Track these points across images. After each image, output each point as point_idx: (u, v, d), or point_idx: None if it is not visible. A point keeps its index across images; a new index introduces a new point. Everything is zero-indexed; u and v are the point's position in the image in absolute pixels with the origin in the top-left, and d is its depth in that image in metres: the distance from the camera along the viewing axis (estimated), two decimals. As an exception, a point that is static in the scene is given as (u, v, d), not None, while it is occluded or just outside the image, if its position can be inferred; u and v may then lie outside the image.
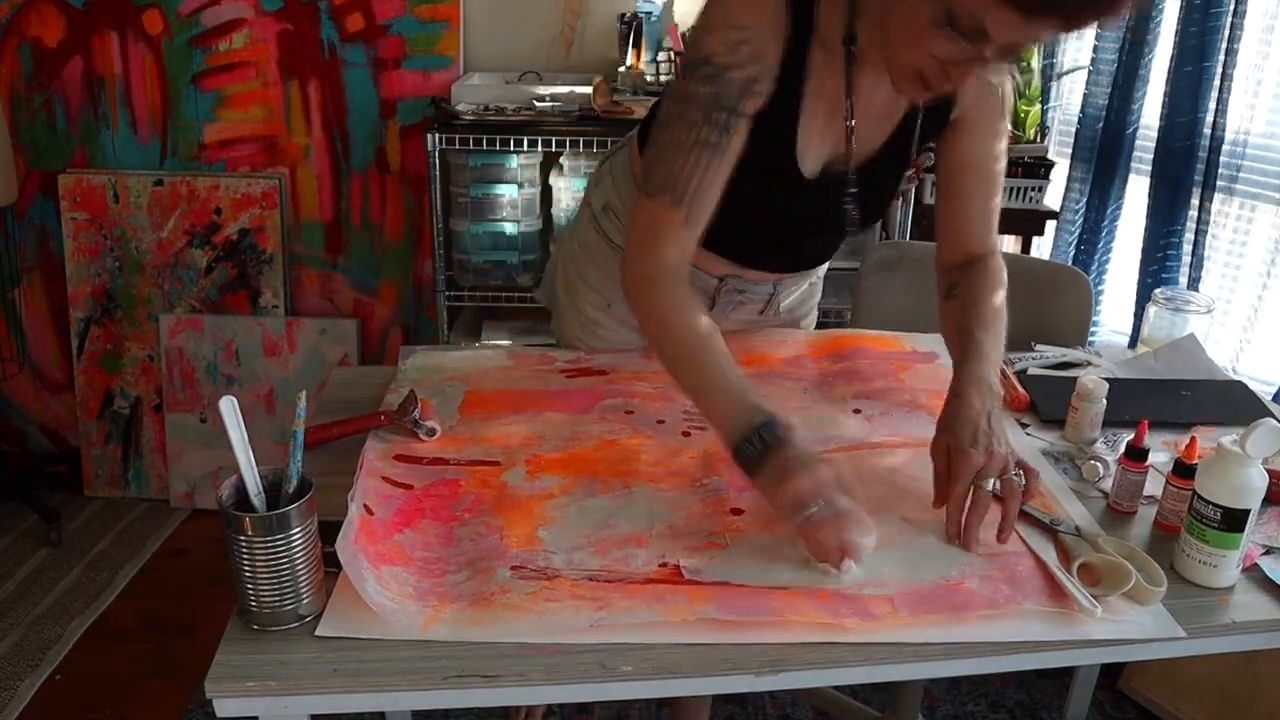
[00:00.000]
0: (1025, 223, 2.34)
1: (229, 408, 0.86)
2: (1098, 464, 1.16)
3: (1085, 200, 2.34)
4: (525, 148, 2.32)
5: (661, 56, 2.41)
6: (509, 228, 2.44)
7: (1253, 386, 1.42)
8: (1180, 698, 1.99)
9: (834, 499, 0.95)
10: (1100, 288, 2.37)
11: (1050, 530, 1.05)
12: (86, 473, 2.79)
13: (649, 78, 2.42)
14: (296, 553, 0.86)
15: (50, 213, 2.66)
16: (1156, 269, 2.21)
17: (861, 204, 1.22)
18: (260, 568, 0.85)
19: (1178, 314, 1.55)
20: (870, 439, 1.21)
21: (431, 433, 1.19)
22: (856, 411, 1.28)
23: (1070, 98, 2.44)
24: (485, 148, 2.30)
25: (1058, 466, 1.19)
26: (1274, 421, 0.95)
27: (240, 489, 0.88)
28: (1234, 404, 1.35)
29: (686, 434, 1.21)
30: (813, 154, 1.17)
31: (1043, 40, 1.05)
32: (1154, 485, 1.11)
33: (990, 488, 1.02)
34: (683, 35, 2.40)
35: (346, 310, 2.77)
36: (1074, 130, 2.35)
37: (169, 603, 2.35)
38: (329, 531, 0.90)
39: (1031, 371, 1.44)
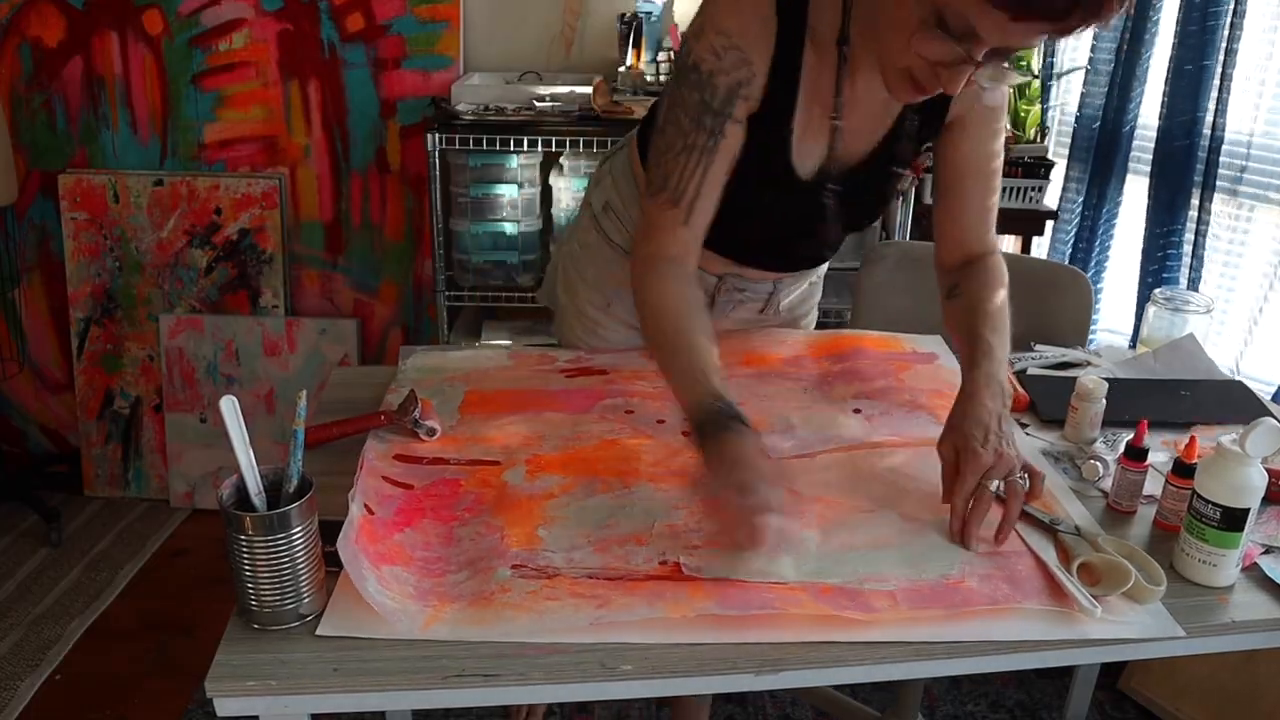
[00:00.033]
0: (1025, 223, 2.34)
1: (229, 408, 0.86)
2: (1097, 464, 1.16)
3: (1083, 200, 2.34)
4: (525, 148, 2.32)
5: (661, 56, 2.41)
6: (509, 228, 2.44)
7: (1252, 386, 1.42)
8: (1180, 698, 1.99)
9: (775, 490, 0.94)
10: (1098, 287, 2.37)
11: (1050, 530, 1.05)
12: (86, 473, 2.79)
13: (649, 78, 2.42)
14: (297, 552, 0.86)
15: (50, 213, 2.66)
16: (1156, 269, 2.21)
17: (856, 205, 1.23)
18: (260, 567, 0.85)
19: (1177, 314, 1.55)
20: (870, 439, 1.21)
21: (431, 433, 1.19)
22: (856, 411, 1.28)
23: (1068, 97, 2.44)
24: (485, 148, 2.30)
25: (1058, 466, 1.19)
26: (1273, 421, 0.95)
27: (240, 489, 0.88)
28: (1233, 403, 1.35)
29: (687, 434, 1.21)
30: (807, 155, 1.17)
31: (1033, 44, 1.05)
32: (1154, 485, 1.11)
33: (994, 489, 1.02)
34: (683, 35, 2.40)
35: (346, 310, 2.77)
36: (1072, 130, 2.35)
37: (169, 603, 2.35)
38: (329, 531, 0.90)
39: (1031, 371, 1.44)
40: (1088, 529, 1.05)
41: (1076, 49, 2.40)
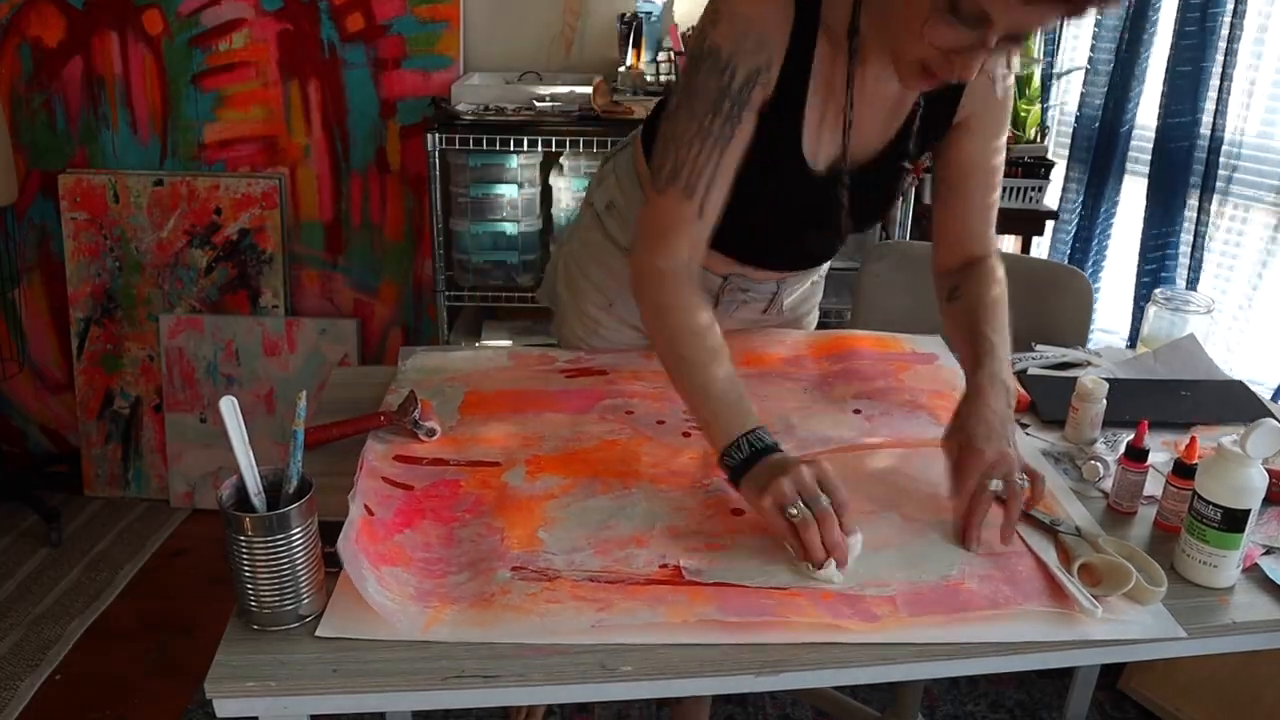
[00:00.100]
0: (1025, 223, 2.34)
1: (229, 408, 0.86)
2: (1098, 464, 1.16)
3: (1081, 200, 2.34)
4: (525, 148, 2.32)
5: (661, 56, 2.41)
6: (509, 228, 2.44)
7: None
8: (1180, 698, 1.99)
9: (815, 499, 0.95)
10: (1096, 287, 2.37)
11: (1050, 530, 1.05)
12: (86, 473, 2.79)
13: (649, 78, 2.42)
14: (297, 553, 0.86)
15: (50, 213, 2.66)
16: (1154, 269, 2.21)
17: (865, 200, 1.22)
18: (260, 568, 0.85)
19: (1177, 314, 1.55)
20: (870, 439, 1.21)
21: (431, 433, 1.19)
22: (856, 412, 1.27)
23: (1068, 97, 2.44)
24: (485, 148, 2.30)
25: (1058, 467, 1.19)
26: (1274, 421, 0.95)
27: (240, 489, 0.88)
28: (1234, 404, 1.35)
29: (687, 434, 1.21)
30: (819, 148, 1.16)
31: (1048, 25, 1.04)
32: (1154, 485, 1.11)
33: (995, 489, 1.02)
34: (683, 35, 2.40)
35: (346, 310, 2.77)
36: (1071, 130, 2.35)
37: (169, 603, 2.35)
38: (329, 531, 0.90)
39: (1031, 371, 1.44)
40: (1088, 530, 1.05)
41: (1076, 49, 2.40)
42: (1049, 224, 2.36)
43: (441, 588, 0.94)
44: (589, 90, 2.30)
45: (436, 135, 2.27)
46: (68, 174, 2.62)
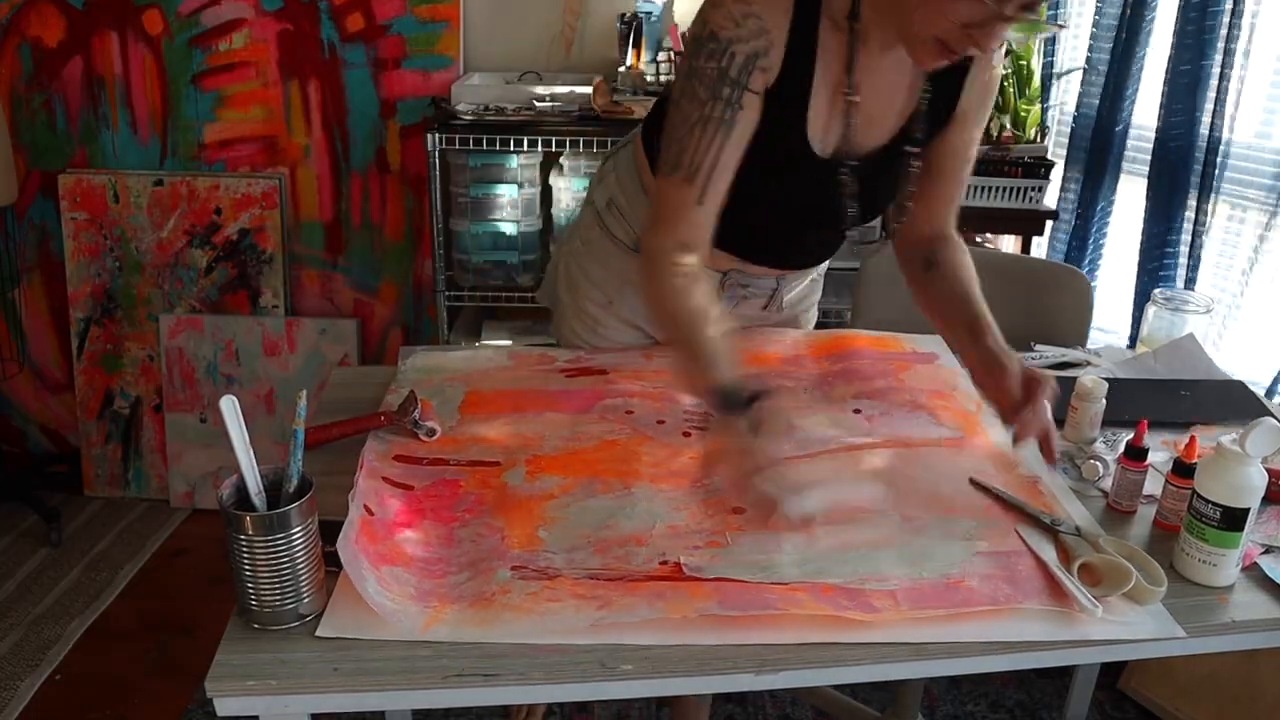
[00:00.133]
0: (1025, 223, 2.34)
1: (229, 407, 0.86)
2: (1097, 463, 1.16)
3: (1080, 199, 2.34)
4: (525, 148, 2.32)
5: (661, 56, 2.41)
6: (509, 228, 2.44)
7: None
8: (1180, 698, 1.99)
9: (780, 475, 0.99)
10: (1095, 287, 2.37)
11: (1050, 530, 1.05)
12: (86, 473, 2.79)
13: (649, 78, 2.42)
14: (297, 552, 0.86)
15: (50, 213, 2.66)
16: (1154, 268, 2.21)
17: (870, 193, 1.23)
18: (260, 567, 0.85)
19: (1177, 314, 1.56)
20: (870, 439, 1.21)
21: (431, 433, 1.19)
22: (856, 411, 1.28)
23: (1067, 98, 2.44)
24: (485, 148, 2.30)
25: (1058, 466, 1.19)
26: (1273, 420, 0.95)
27: (240, 488, 0.88)
28: (1233, 403, 1.35)
29: (687, 434, 1.21)
30: (823, 135, 1.16)
31: None
32: (1153, 485, 1.11)
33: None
34: (683, 35, 2.40)
35: (346, 310, 2.77)
36: (1069, 130, 2.35)
37: (169, 603, 2.35)
38: (329, 531, 0.90)
39: (1031, 371, 1.44)
40: (1088, 529, 1.05)
41: (1075, 48, 2.40)
42: (1048, 224, 2.36)
43: (441, 587, 0.94)
44: (589, 90, 2.30)
45: (436, 135, 2.27)
46: (68, 174, 2.62)
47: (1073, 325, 1.68)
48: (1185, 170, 2.11)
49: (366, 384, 1.34)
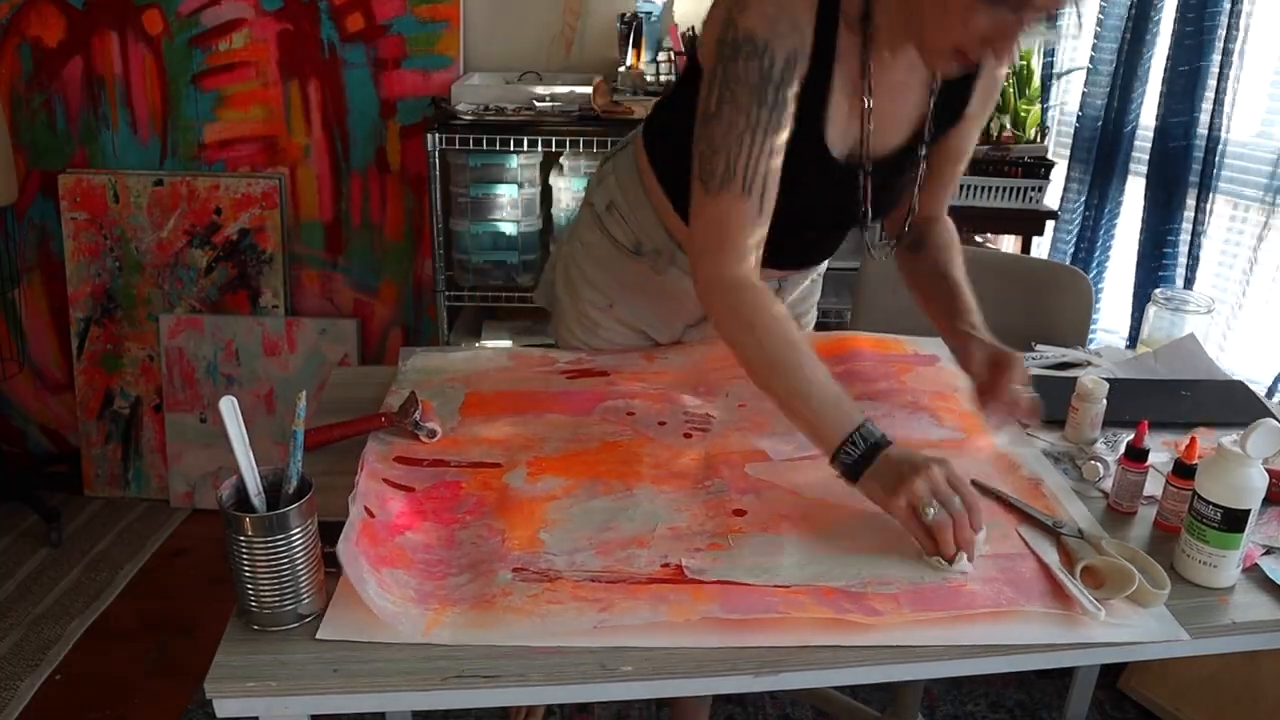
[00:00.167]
0: (1025, 223, 2.34)
1: (229, 408, 0.86)
2: (1098, 464, 1.16)
3: (1083, 200, 2.34)
4: (525, 148, 2.32)
5: (661, 56, 2.41)
6: (509, 228, 2.44)
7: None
8: (1180, 698, 1.99)
9: (949, 499, 0.97)
10: (1099, 287, 2.37)
11: (1053, 532, 1.04)
12: (86, 473, 2.79)
13: (649, 78, 2.42)
14: (296, 553, 0.86)
15: (50, 213, 2.66)
16: (1155, 268, 2.21)
17: (883, 194, 1.22)
18: (260, 568, 0.85)
19: (1177, 314, 1.55)
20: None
21: (432, 434, 1.19)
22: (857, 412, 1.27)
23: (1069, 98, 2.44)
24: (485, 148, 2.30)
25: (1058, 467, 1.19)
26: (1274, 421, 0.95)
27: (240, 489, 0.88)
28: (1234, 404, 1.35)
29: (688, 435, 1.21)
30: (840, 138, 1.16)
31: (1082, 2, 1.05)
32: (1154, 485, 1.11)
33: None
34: (683, 35, 2.40)
35: (346, 310, 2.77)
36: (1072, 130, 2.35)
37: (169, 603, 2.35)
38: (329, 532, 0.90)
39: (1032, 372, 1.44)
40: (1091, 532, 1.04)
41: (1077, 49, 2.40)
42: (1049, 224, 2.36)
43: (442, 589, 0.93)
44: (589, 90, 2.30)
45: (436, 135, 2.27)
46: (68, 174, 2.61)
47: (1073, 325, 1.68)
48: (1184, 169, 2.11)
49: (366, 384, 1.34)
